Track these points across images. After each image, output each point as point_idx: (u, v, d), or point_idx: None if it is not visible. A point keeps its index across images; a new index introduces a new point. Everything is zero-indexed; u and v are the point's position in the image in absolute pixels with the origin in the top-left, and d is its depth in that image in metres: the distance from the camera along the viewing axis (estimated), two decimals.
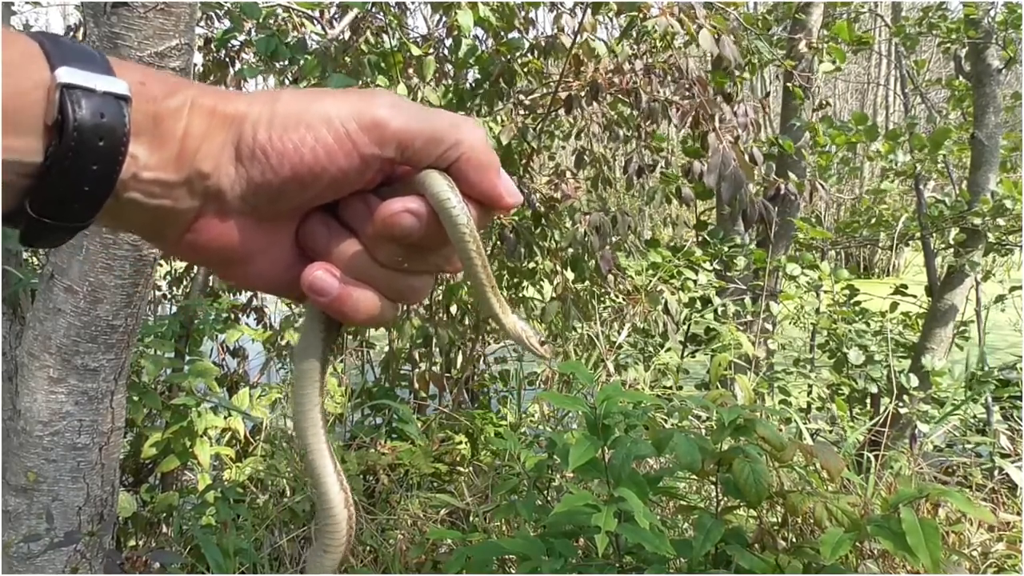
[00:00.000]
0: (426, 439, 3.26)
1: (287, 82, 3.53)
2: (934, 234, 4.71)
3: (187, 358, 3.15)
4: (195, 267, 3.92)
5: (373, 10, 3.68)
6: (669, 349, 3.92)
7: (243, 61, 3.93)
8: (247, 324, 4.14)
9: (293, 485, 2.98)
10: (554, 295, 3.84)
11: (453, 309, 4.10)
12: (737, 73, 3.82)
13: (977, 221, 4.19)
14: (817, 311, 4.67)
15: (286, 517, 2.77)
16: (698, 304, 4.22)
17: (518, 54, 3.78)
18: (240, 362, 4.13)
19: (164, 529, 2.89)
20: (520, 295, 4.14)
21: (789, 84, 4.33)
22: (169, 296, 4.41)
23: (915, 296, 4.62)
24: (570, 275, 3.87)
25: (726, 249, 4.25)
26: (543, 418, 3.73)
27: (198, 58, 3.79)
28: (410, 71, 3.60)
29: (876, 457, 2.97)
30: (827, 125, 4.65)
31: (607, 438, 1.66)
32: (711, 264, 4.19)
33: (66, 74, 0.37)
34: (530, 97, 3.98)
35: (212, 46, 3.88)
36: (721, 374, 3.45)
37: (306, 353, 0.49)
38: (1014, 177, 4.44)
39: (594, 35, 3.63)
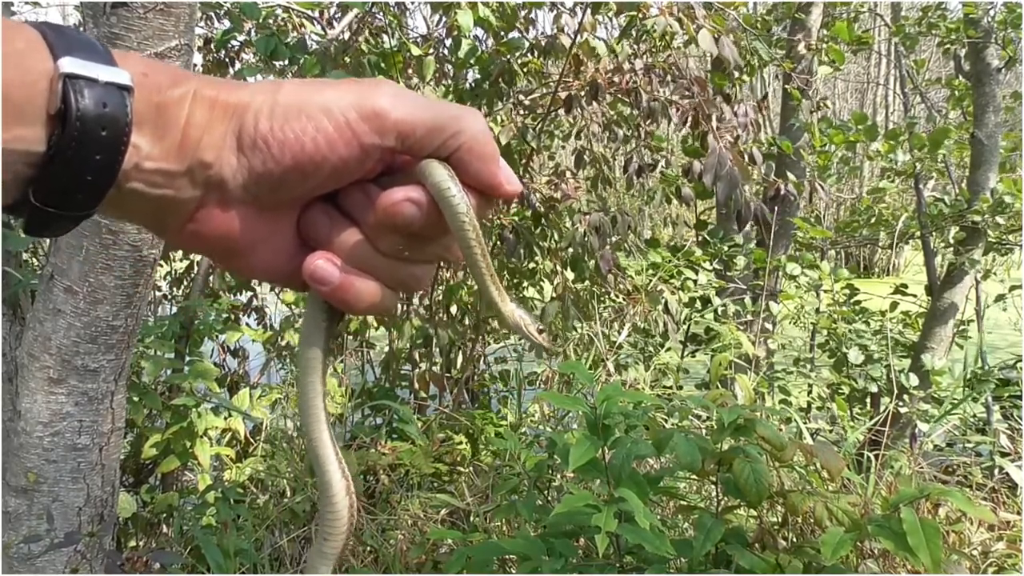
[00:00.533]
0: (426, 439, 3.26)
1: None
2: (934, 233, 4.71)
3: (187, 359, 3.15)
4: (195, 268, 3.92)
5: (373, 10, 3.68)
6: (669, 349, 3.92)
7: (243, 61, 3.93)
8: (247, 325, 4.14)
9: (293, 485, 2.98)
10: (554, 295, 3.84)
11: (453, 309, 4.10)
12: (736, 74, 3.82)
13: (977, 220, 4.19)
14: (817, 311, 4.67)
15: (286, 517, 2.77)
16: (698, 304, 4.22)
17: (518, 54, 3.78)
18: (240, 362, 4.13)
19: (164, 529, 2.89)
20: (520, 295, 4.13)
21: (788, 86, 4.33)
22: (169, 297, 4.41)
23: (915, 295, 4.62)
24: (570, 275, 3.87)
25: (726, 249, 4.25)
26: (543, 418, 3.73)
27: (198, 58, 3.79)
28: (410, 71, 3.60)
29: (876, 456, 2.97)
30: (826, 125, 4.65)
31: (607, 438, 1.66)
32: (711, 264, 4.19)
33: (69, 64, 0.37)
34: (530, 97, 3.98)
35: (212, 46, 3.88)
36: (721, 374, 3.45)
37: (309, 342, 0.49)
38: (1014, 176, 4.43)
39: (594, 35, 3.63)
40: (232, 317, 3.90)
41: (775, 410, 2.88)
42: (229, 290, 3.89)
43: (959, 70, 4.77)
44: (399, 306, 3.99)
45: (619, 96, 3.71)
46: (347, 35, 3.70)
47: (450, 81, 3.94)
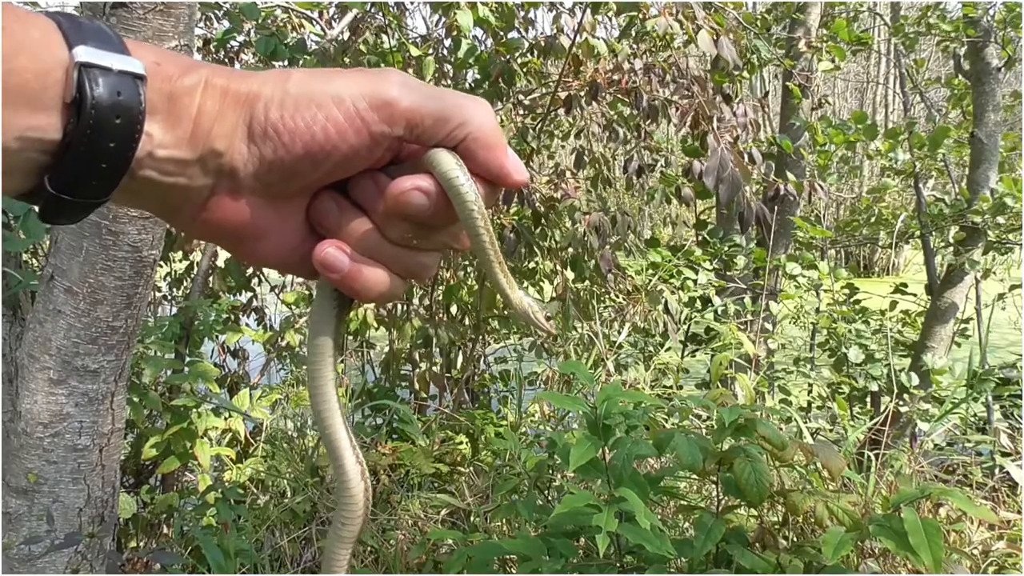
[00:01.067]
0: (426, 439, 3.26)
1: None
2: (934, 232, 4.71)
3: (187, 359, 3.15)
4: (194, 269, 3.92)
5: (372, 10, 3.68)
6: (669, 349, 3.92)
7: (242, 62, 3.92)
8: (247, 325, 4.14)
9: (294, 486, 2.98)
10: (554, 295, 3.84)
11: (453, 309, 4.09)
12: (736, 73, 3.82)
13: (977, 219, 4.19)
14: (817, 310, 4.67)
15: (287, 518, 2.77)
16: (698, 304, 4.21)
17: (517, 54, 3.78)
18: (240, 363, 4.12)
19: (165, 530, 2.89)
20: None
21: (788, 84, 4.33)
22: (169, 297, 4.40)
23: (915, 295, 4.61)
24: (570, 275, 3.87)
25: (726, 248, 4.25)
26: (543, 418, 3.73)
27: (197, 59, 3.78)
28: (409, 71, 3.60)
29: (876, 456, 2.97)
30: (826, 124, 4.65)
31: (608, 438, 1.66)
32: (711, 263, 4.19)
33: (84, 53, 0.38)
34: (530, 97, 3.98)
35: (211, 47, 3.88)
36: (721, 373, 3.45)
37: (319, 329, 0.50)
38: (1014, 176, 4.43)
39: (593, 35, 3.63)
40: (232, 318, 3.90)
41: (775, 410, 2.88)
42: (229, 291, 3.89)
43: (959, 69, 4.77)
44: (400, 306, 3.99)
45: (619, 96, 3.71)
46: (346, 35, 3.70)
47: (450, 81, 3.94)
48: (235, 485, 2.92)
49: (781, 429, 2.16)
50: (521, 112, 3.87)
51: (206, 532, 2.50)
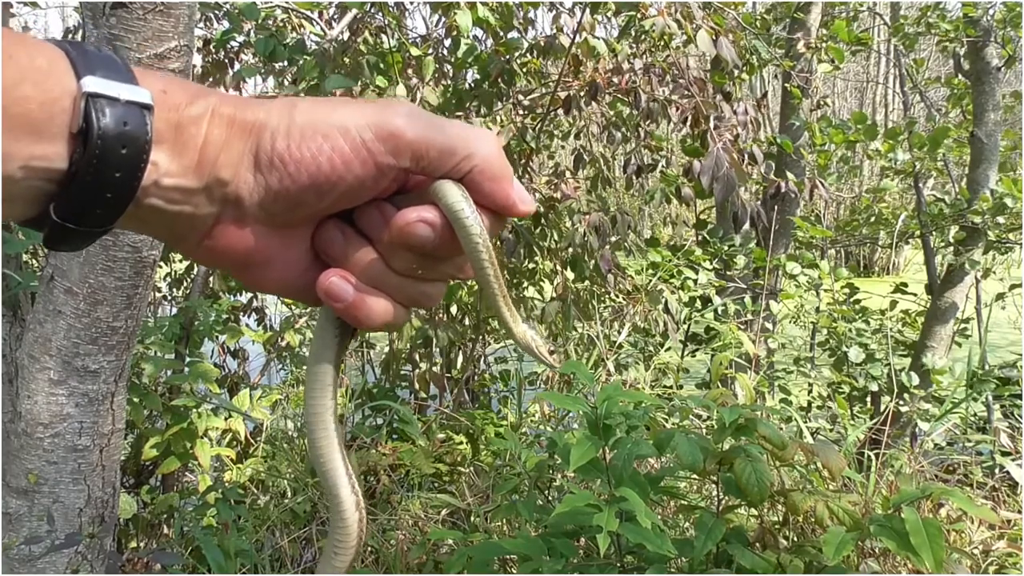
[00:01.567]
0: (427, 439, 3.26)
1: (286, 83, 3.53)
2: (934, 232, 4.71)
3: (187, 359, 3.15)
4: (195, 269, 3.92)
5: (372, 10, 3.68)
6: (669, 348, 3.92)
7: (242, 62, 3.92)
8: (247, 325, 4.14)
9: (294, 486, 2.98)
10: (554, 295, 3.84)
11: (453, 309, 4.09)
12: (736, 73, 3.82)
13: (977, 219, 4.19)
14: (817, 310, 4.66)
15: (287, 518, 2.77)
16: (698, 303, 4.21)
17: (517, 54, 3.78)
18: (240, 363, 4.12)
19: (165, 530, 2.89)
20: (520, 295, 4.13)
21: (788, 84, 4.33)
22: (169, 298, 4.40)
23: (915, 294, 4.61)
24: (570, 275, 3.87)
25: (726, 248, 4.24)
26: (544, 418, 3.73)
27: (197, 59, 3.79)
28: (409, 71, 3.60)
29: (877, 455, 2.97)
30: (826, 124, 4.64)
31: (608, 438, 1.66)
32: (711, 263, 4.19)
33: (92, 83, 0.38)
34: (529, 97, 3.98)
35: (211, 47, 3.88)
36: (722, 373, 3.45)
37: (319, 357, 0.50)
38: (1014, 176, 4.43)
39: (592, 35, 3.63)
40: (232, 318, 3.90)
41: (775, 409, 2.88)
42: (229, 291, 3.89)
43: (958, 69, 4.77)
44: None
45: (618, 96, 3.71)
46: (346, 36, 3.69)
47: (449, 81, 3.94)
48: (235, 485, 2.92)
49: (781, 429, 2.16)
50: (521, 112, 3.87)
51: (206, 532, 2.50)
